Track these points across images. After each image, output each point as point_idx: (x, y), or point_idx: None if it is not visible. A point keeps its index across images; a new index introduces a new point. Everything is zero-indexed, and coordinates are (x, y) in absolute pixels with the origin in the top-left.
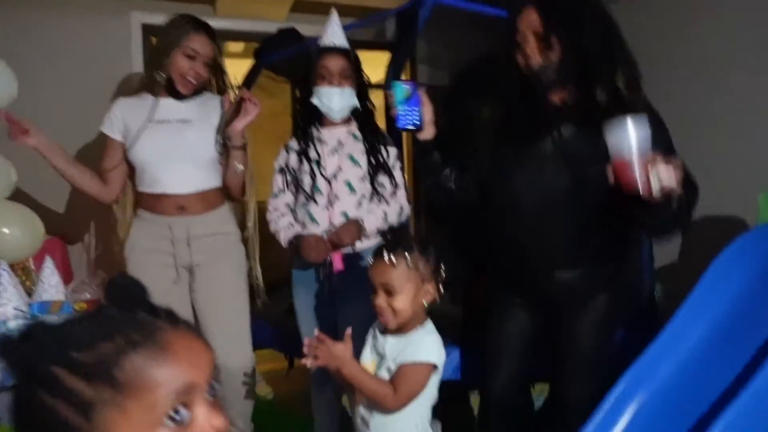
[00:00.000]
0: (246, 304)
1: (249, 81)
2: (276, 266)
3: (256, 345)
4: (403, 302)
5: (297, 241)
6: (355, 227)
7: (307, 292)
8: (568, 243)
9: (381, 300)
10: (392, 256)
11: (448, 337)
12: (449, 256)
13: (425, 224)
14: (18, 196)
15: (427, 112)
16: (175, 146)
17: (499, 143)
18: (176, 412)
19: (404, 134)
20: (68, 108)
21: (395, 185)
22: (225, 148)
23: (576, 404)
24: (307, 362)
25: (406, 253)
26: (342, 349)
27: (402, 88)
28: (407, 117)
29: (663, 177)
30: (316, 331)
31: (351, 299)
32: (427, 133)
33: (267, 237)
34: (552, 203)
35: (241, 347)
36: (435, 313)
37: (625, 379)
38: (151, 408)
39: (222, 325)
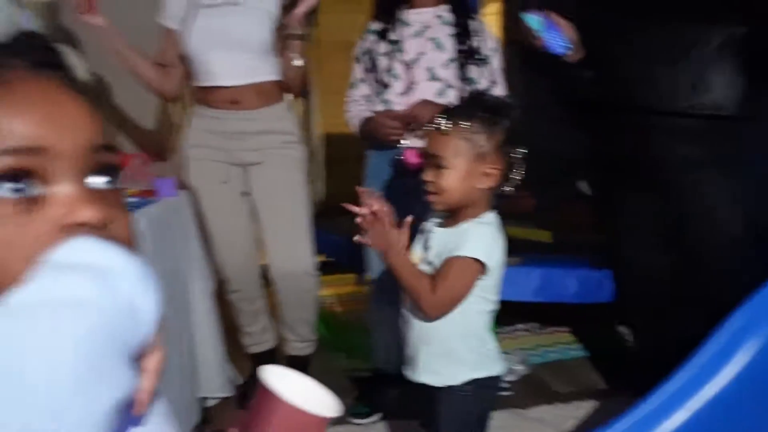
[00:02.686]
0: (305, 206)
1: None
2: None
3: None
4: (449, 180)
5: (367, 123)
6: (433, 106)
7: (377, 190)
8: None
9: (428, 174)
10: (445, 124)
11: None
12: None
13: None
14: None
15: (570, 32)
16: (224, 32)
17: None
18: (19, 179)
19: None
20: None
21: (492, 81)
22: (284, 38)
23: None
24: (357, 237)
25: (464, 123)
26: (396, 235)
27: (534, 19)
28: (554, 43)
29: None
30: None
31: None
32: (578, 51)
33: (338, 158)
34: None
35: (301, 248)
36: None
37: (749, 306)
38: None
39: (280, 225)
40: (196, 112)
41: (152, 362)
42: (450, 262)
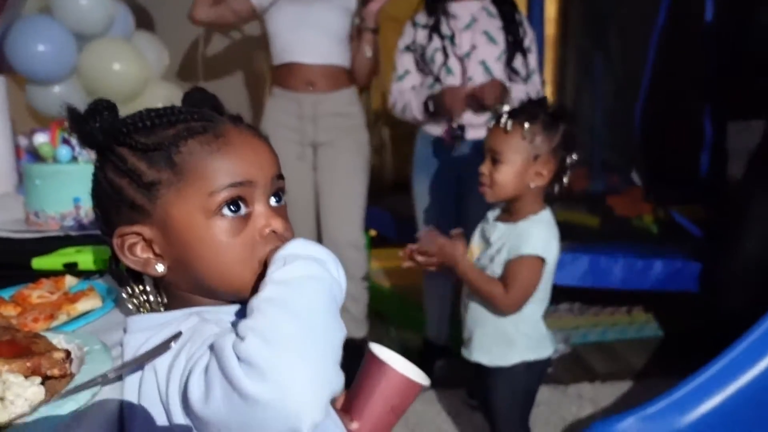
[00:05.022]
0: (362, 187)
1: None
2: (406, 165)
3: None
4: (504, 174)
5: (433, 99)
6: (500, 87)
7: (427, 176)
8: None
9: (485, 167)
10: (508, 122)
11: None
12: None
13: None
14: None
15: None
16: (306, 14)
17: None
18: (234, 204)
19: None
20: None
21: (529, 69)
22: (358, 30)
23: None
24: (407, 263)
25: (526, 123)
26: (453, 247)
27: None
28: None
29: None
30: (423, 230)
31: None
32: None
33: (399, 136)
34: None
35: (351, 224)
36: None
37: None
38: (208, 196)
39: (335, 203)
40: (275, 94)
41: None
42: (518, 262)
